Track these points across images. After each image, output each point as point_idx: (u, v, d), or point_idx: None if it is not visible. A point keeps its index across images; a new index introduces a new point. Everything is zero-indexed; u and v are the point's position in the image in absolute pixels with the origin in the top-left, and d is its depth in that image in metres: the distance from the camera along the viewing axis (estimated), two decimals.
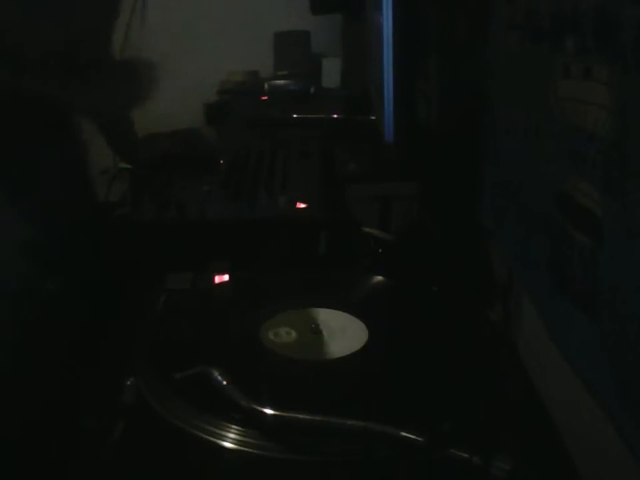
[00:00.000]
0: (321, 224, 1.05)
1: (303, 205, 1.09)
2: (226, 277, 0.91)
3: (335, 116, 1.62)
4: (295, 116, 1.67)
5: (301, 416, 0.60)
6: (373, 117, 1.41)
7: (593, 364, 0.59)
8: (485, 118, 0.95)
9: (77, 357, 1.01)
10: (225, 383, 0.64)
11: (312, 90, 2.04)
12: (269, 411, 0.61)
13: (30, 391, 0.98)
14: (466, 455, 0.56)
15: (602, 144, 0.56)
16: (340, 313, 0.82)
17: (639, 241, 0.50)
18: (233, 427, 0.61)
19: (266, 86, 2.11)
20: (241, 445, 0.60)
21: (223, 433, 0.61)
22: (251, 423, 0.61)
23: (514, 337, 0.86)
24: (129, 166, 1.30)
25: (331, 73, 2.14)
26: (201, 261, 0.93)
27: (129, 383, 0.67)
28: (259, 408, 0.61)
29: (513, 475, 0.55)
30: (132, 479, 0.60)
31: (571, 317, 0.62)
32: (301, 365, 0.72)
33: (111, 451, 0.62)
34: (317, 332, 0.78)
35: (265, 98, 2.03)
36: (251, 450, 0.59)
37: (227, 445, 0.60)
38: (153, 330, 0.79)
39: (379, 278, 0.93)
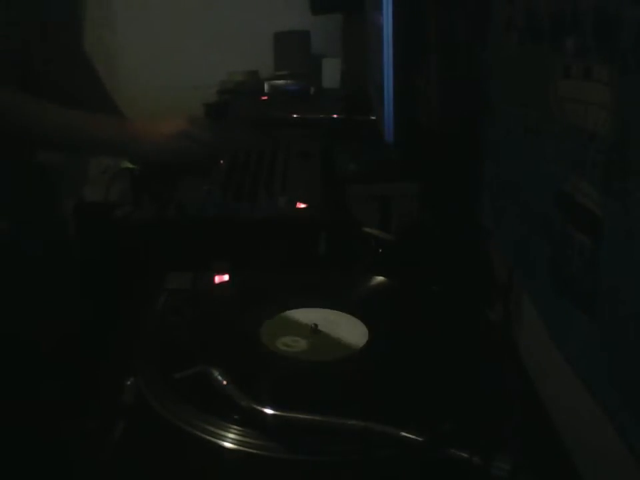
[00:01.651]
0: (321, 224, 1.05)
1: (302, 205, 1.09)
2: (226, 277, 0.91)
3: (335, 116, 1.62)
4: (294, 116, 1.67)
5: (301, 416, 0.60)
6: (373, 117, 1.41)
7: (593, 364, 0.59)
8: (484, 118, 0.95)
9: (78, 356, 1.01)
10: (225, 382, 0.64)
11: (312, 90, 2.03)
12: (269, 411, 0.61)
13: (31, 390, 0.98)
14: (466, 455, 0.56)
15: (602, 144, 0.56)
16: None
17: (639, 241, 0.50)
18: (233, 427, 0.61)
19: (266, 86, 2.11)
20: (240, 445, 0.60)
21: (223, 432, 0.61)
22: (251, 422, 0.61)
23: (514, 337, 0.86)
24: (129, 166, 1.30)
25: (331, 72, 2.14)
26: (201, 260, 0.93)
27: (129, 382, 0.67)
28: (259, 408, 0.61)
29: (513, 475, 0.55)
30: (132, 479, 0.60)
31: (570, 316, 0.62)
32: (301, 365, 0.72)
33: (111, 451, 0.62)
34: (317, 332, 0.78)
35: (265, 98, 2.03)
36: (251, 450, 0.59)
37: (227, 445, 0.60)
38: (153, 330, 0.79)
39: (379, 278, 0.93)
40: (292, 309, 0.83)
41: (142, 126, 1.14)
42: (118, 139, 1.11)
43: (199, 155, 1.17)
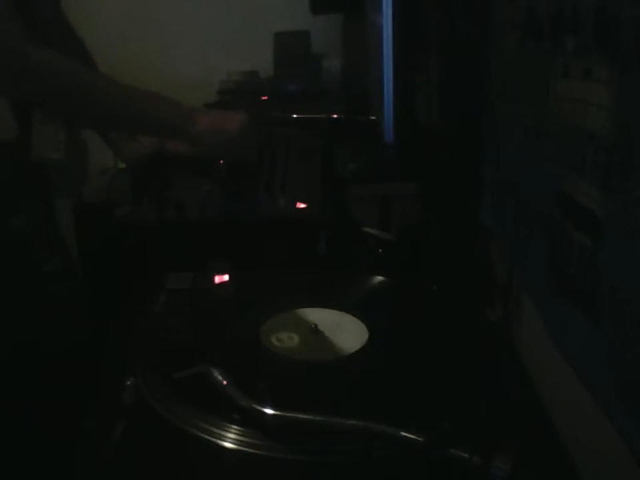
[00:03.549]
0: (321, 224, 1.05)
1: (302, 205, 1.09)
2: (226, 277, 0.91)
3: (335, 116, 1.62)
4: (294, 116, 1.67)
5: (300, 416, 0.61)
6: (373, 117, 1.41)
7: (592, 364, 0.58)
8: (485, 118, 0.95)
9: (77, 357, 1.01)
10: (225, 382, 0.64)
11: (312, 90, 2.03)
12: (269, 411, 0.61)
13: (31, 391, 0.98)
14: (466, 455, 0.56)
15: (602, 144, 0.56)
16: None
17: (639, 241, 0.50)
18: (233, 427, 0.61)
19: (266, 86, 2.11)
20: (240, 445, 0.60)
21: (223, 433, 0.61)
22: (250, 422, 0.61)
23: (514, 337, 0.86)
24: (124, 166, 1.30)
25: (331, 73, 2.14)
26: (201, 260, 0.93)
27: (128, 382, 0.67)
28: (259, 408, 0.61)
29: (513, 475, 0.55)
30: (132, 479, 0.60)
31: (571, 316, 0.62)
32: (301, 365, 0.72)
33: (111, 451, 0.62)
34: (316, 332, 0.78)
35: (265, 98, 2.03)
36: (251, 450, 0.59)
37: (227, 444, 0.60)
38: (153, 330, 0.79)
39: (379, 278, 0.93)
40: (292, 308, 0.83)
41: (205, 114, 1.09)
42: (180, 123, 1.04)
43: (251, 153, 1.14)
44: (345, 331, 0.78)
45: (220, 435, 0.61)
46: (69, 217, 1.20)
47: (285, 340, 0.77)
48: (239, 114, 1.11)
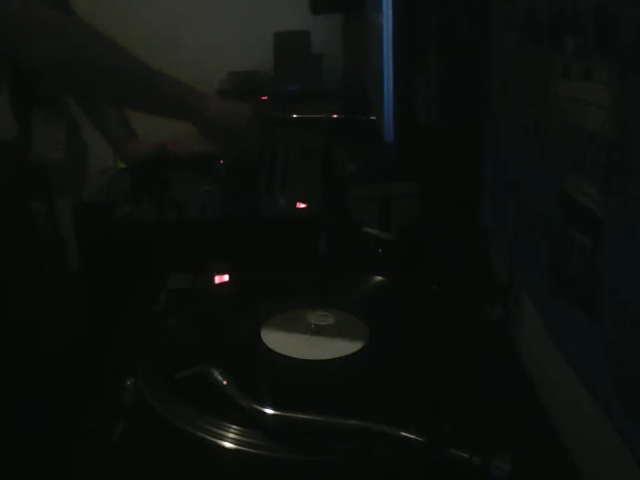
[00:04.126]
0: (321, 224, 1.05)
1: (302, 205, 1.09)
2: (226, 277, 0.91)
3: (335, 116, 1.61)
4: (294, 116, 1.67)
5: (300, 416, 0.61)
6: (373, 117, 1.41)
7: (592, 364, 0.58)
8: (485, 118, 0.95)
9: (77, 357, 1.01)
10: (225, 382, 0.65)
11: (312, 90, 2.04)
12: (269, 411, 0.61)
13: (31, 391, 0.98)
14: (466, 455, 0.56)
15: (602, 144, 0.56)
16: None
17: (639, 240, 0.50)
18: (233, 426, 0.61)
19: (266, 86, 2.11)
20: (240, 445, 0.60)
21: (223, 432, 0.61)
22: (251, 422, 0.61)
23: (514, 337, 0.86)
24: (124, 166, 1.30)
25: (331, 73, 2.14)
26: (201, 260, 0.93)
27: (128, 382, 0.67)
28: (259, 408, 0.61)
29: (513, 475, 0.55)
30: (132, 479, 0.60)
31: (571, 316, 0.62)
32: (301, 365, 0.72)
33: (111, 451, 0.62)
34: (317, 332, 0.78)
35: (265, 98, 2.03)
36: (251, 450, 0.59)
37: (227, 444, 0.60)
38: (153, 330, 0.79)
39: (379, 278, 0.93)
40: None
41: (217, 98, 1.07)
42: (194, 102, 1.02)
43: (252, 149, 1.12)
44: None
45: (220, 434, 0.61)
46: (68, 217, 1.20)
47: (323, 317, 0.79)
48: (246, 104, 1.10)
